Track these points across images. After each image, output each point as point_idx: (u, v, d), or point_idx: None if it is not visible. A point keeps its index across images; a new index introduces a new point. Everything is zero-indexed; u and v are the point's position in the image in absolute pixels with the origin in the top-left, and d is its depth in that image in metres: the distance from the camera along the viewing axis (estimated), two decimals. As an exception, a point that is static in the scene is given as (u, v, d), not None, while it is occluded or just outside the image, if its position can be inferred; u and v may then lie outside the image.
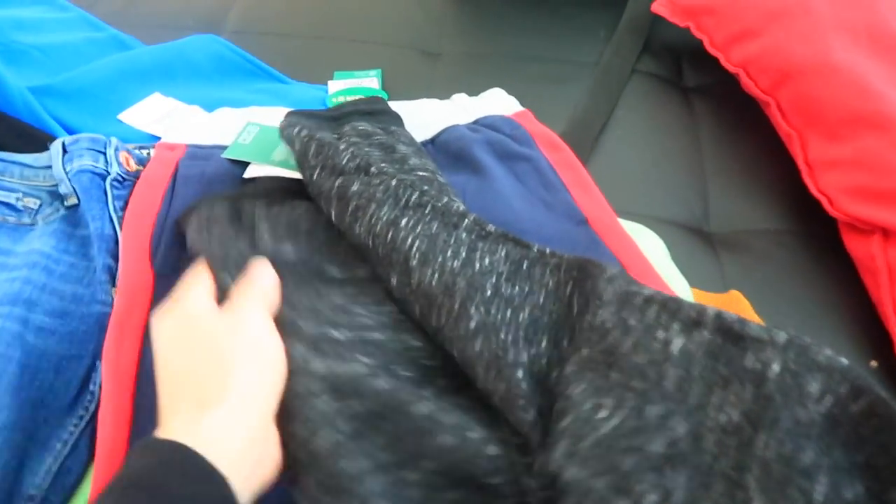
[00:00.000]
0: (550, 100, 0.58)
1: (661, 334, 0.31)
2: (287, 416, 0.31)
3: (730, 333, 0.30)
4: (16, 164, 0.45)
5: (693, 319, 0.31)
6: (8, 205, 0.42)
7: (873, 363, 0.43)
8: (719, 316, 0.30)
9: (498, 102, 0.54)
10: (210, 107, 0.53)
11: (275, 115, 0.48)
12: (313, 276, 0.39)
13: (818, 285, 0.47)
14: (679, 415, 0.29)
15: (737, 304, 0.44)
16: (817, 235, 0.50)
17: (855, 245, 0.47)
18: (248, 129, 0.48)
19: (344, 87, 0.57)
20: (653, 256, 0.44)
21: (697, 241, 0.50)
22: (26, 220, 0.42)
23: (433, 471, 0.31)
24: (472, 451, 0.31)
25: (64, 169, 0.43)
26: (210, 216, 0.39)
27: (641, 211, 0.50)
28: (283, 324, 0.34)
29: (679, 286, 0.43)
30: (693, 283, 0.45)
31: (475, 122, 0.51)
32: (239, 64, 0.59)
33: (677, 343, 0.31)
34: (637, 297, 0.33)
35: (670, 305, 0.32)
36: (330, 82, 0.58)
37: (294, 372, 0.32)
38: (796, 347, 0.29)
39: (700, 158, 0.55)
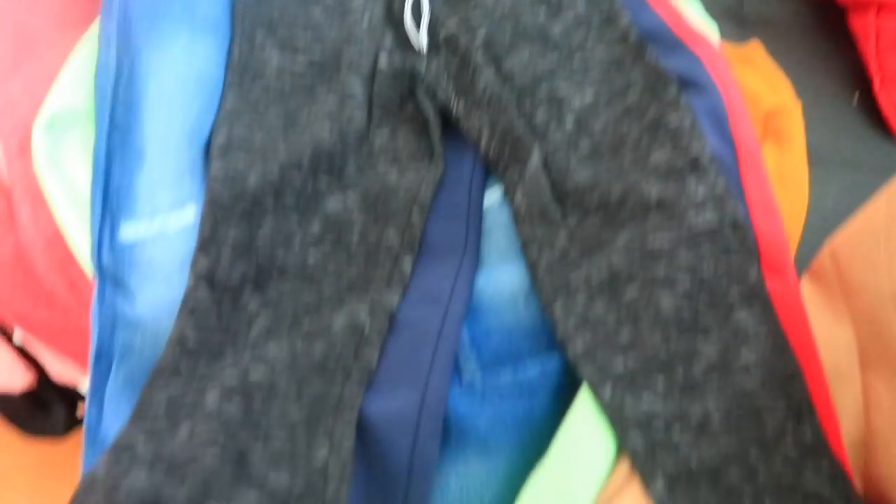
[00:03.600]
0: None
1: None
2: None
3: None
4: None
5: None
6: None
7: (855, 95, 0.56)
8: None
9: None
10: None
11: None
12: None
13: (821, 49, 0.60)
14: None
15: (756, 51, 0.57)
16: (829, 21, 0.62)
17: (855, 21, 0.59)
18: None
19: None
20: (689, 13, 0.57)
21: (731, 19, 0.63)
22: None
23: None
24: None
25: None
26: None
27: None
28: None
29: (710, 33, 0.56)
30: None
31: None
32: None
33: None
34: None
35: None
36: None
37: None
38: None
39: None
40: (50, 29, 0.52)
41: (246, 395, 0.38)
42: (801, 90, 0.54)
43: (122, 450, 0.35)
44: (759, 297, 0.38)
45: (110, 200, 0.45)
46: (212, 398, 0.38)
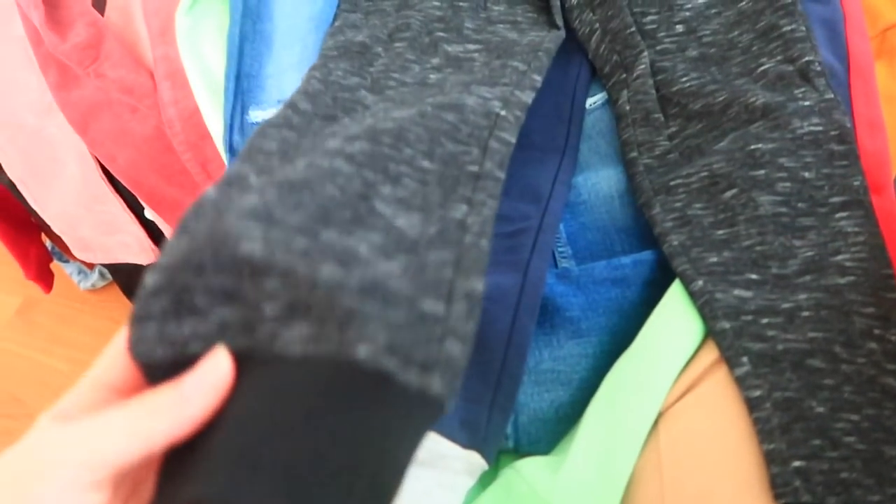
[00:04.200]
0: None
1: None
2: None
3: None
4: None
5: None
6: None
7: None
8: None
9: None
10: None
11: None
12: None
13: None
14: None
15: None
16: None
17: None
18: None
19: None
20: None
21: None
22: None
23: None
24: None
25: None
26: None
27: None
28: None
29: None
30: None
31: None
32: None
33: None
34: None
35: None
36: None
37: None
38: None
39: None
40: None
41: (373, 140, 0.33)
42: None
43: (231, 180, 0.31)
44: (861, 205, 0.39)
45: (241, 85, 0.49)
46: (333, 142, 0.33)
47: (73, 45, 0.52)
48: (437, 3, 0.49)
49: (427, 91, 0.41)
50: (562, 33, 0.47)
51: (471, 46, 0.47)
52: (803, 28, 0.44)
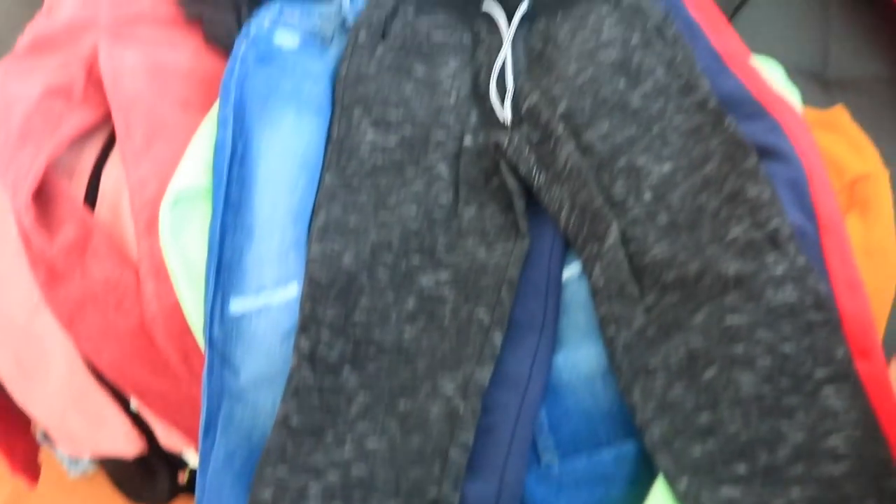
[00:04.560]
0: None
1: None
2: None
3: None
4: (315, 4, 0.65)
5: None
6: (313, 32, 0.63)
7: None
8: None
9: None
10: None
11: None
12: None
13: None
14: None
15: (840, 116, 0.56)
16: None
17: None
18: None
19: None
20: (771, 77, 0.57)
21: (814, 82, 0.63)
22: (326, 42, 0.63)
23: None
24: None
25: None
26: None
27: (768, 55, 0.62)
28: None
29: (793, 98, 0.56)
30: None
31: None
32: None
33: None
34: None
35: None
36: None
37: None
38: None
39: (827, 23, 0.67)
40: (176, 112, 0.58)
41: (345, 497, 0.40)
42: (889, 156, 0.53)
43: None
44: (847, 378, 0.37)
45: (222, 276, 0.49)
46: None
47: (60, 247, 0.53)
48: (412, 211, 0.51)
49: (401, 374, 0.46)
50: (527, 242, 0.49)
51: (442, 276, 0.49)
52: (768, 191, 0.45)
